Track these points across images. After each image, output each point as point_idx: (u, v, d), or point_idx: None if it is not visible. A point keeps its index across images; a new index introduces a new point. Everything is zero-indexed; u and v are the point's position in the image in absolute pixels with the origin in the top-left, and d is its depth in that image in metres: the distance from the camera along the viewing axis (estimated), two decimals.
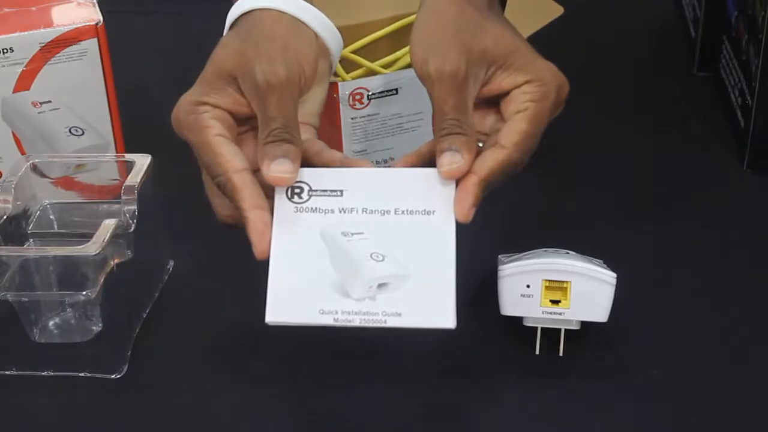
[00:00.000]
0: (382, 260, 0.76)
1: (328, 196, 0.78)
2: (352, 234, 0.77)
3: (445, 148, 0.76)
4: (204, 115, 0.78)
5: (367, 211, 0.77)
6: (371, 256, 0.76)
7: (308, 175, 0.78)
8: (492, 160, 0.77)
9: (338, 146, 0.96)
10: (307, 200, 0.77)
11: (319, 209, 0.77)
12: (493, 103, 0.80)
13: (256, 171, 0.78)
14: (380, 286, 0.75)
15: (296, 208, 0.77)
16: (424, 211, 0.77)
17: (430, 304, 0.75)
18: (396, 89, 0.95)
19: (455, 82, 0.77)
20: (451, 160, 0.76)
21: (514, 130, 0.77)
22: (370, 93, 0.95)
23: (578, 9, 1.06)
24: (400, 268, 0.75)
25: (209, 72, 0.79)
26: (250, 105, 0.79)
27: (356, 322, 0.75)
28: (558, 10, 1.01)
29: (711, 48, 1.11)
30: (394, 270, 0.75)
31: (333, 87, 0.94)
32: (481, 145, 0.78)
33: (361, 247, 0.76)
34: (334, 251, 0.76)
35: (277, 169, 0.76)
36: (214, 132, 0.78)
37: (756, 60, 0.97)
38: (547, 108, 0.78)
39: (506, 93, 0.79)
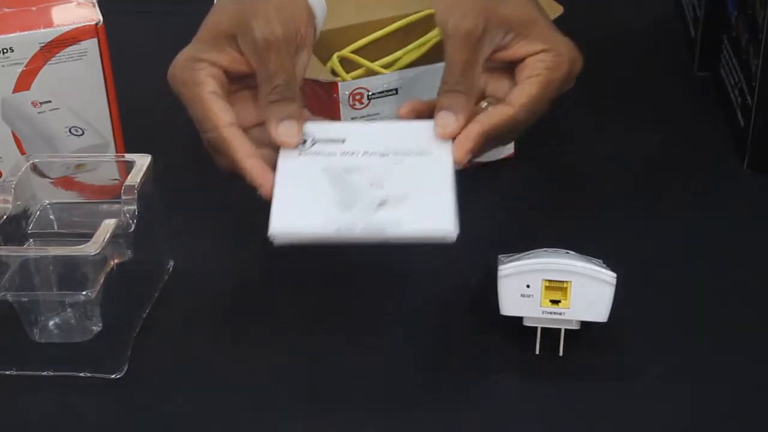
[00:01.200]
0: (382, 185, 0.78)
1: (331, 143, 0.81)
2: (354, 168, 0.80)
3: (444, 106, 0.81)
4: (200, 72, 0.81)
5: (368, 154, 0.80)
6: (371, 183, 0.78)
7: (312, 127, 0.81)
8: (497, 115, 0.81)
9: None
10: (311, 147, 0.81)
11: (323, 152, 0.81)
12: (509, 70, 0.83)
13: (246, 129, 0.81)
14: (381, 205, 0.77)
15: (300, 152, 0.81)
16: (422, 152, 0.80)
17: (431, 214, 0.77)
18: (396, 89, 0.95)
19: (469, 40, 0.80)
20: (446, 122, 0.80)
21: (523, 92, 0.81)
22: (370, 93, 0.95)
23: (578, 9, 1.06)
24: (400, 190, 0.78)
25: (205, 33, 0.82)
26: (246, 63, 0.81)
27: (357, 230, 0.76)
28: (558, 10, 1.01)
29: (711, 48, 1.11)
30: (393, 191, 0.78)
31: (333, 87, 0.94)
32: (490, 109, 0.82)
33: (362, 177, 0.79)
34: (336, 181, 0.79)
35: (285, 132, 0.80)
36: (207, 89, 0.81)
37: (756, 60, 0.97)
38: (559, 77, 0.82)
39: (521, 60, 0.82)
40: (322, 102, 0.98)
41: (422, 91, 0.96)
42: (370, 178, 0.79)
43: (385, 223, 0.76)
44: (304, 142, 0.81)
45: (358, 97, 0.95)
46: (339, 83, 0.94)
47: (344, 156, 0.80)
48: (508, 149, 1.00)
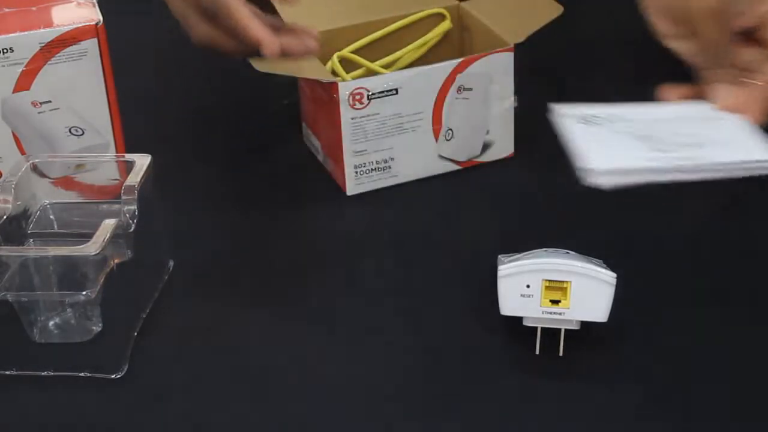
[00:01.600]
0: (681, 136, 0.81)
1: (612, 117, 0.84)
2: (646, 129, 0.82)
3: (716, 81, 0.84)
4: None
5: (654, 122, 0.83)
6: (670, 133, 0.81)
7: (589, 110, 0.85)
8: None
9: (338, 146, 0.96)
10: (595, 120, 0.84)
11: (607, 123, 0.83)
12: (746, 40, 0.85)
13: None
14: (688, 145, 0.79)
15: (587, 122, 0.84)
16: (708, 119, 0.82)
17: (745, 145, 0.79)
18: (396, 89, 0.95)
19: (717, 14, 0.83)
20: (725, 95, 0.83)
21: None
22: (370, 93, 0.95)
23: (578, 9, 1.06)
24: (702, 137, 0.80)
25: None
26: None
27: (678, 162, 0.78)
28: (558, 10, 1.01)
29: None
30: (696, 138, 0.80)
31: (333, 87, 0.94)
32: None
33: (660, 132, 0.81)
34: (633, 136, 0.81)
35: None
36: None
37: None
38: None
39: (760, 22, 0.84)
40: (322, 102, 0.98)
41: (422, 91, 0.97)
42: (666, 134, 0.81)
43: (702, 153, 0.78)
44: (585, 119, 0.83)
45: (358, 97, 0.95)
46: (339, 83, 0.94)
47: (632, 124, 0.83)
48: (508, 149, 1.00)
